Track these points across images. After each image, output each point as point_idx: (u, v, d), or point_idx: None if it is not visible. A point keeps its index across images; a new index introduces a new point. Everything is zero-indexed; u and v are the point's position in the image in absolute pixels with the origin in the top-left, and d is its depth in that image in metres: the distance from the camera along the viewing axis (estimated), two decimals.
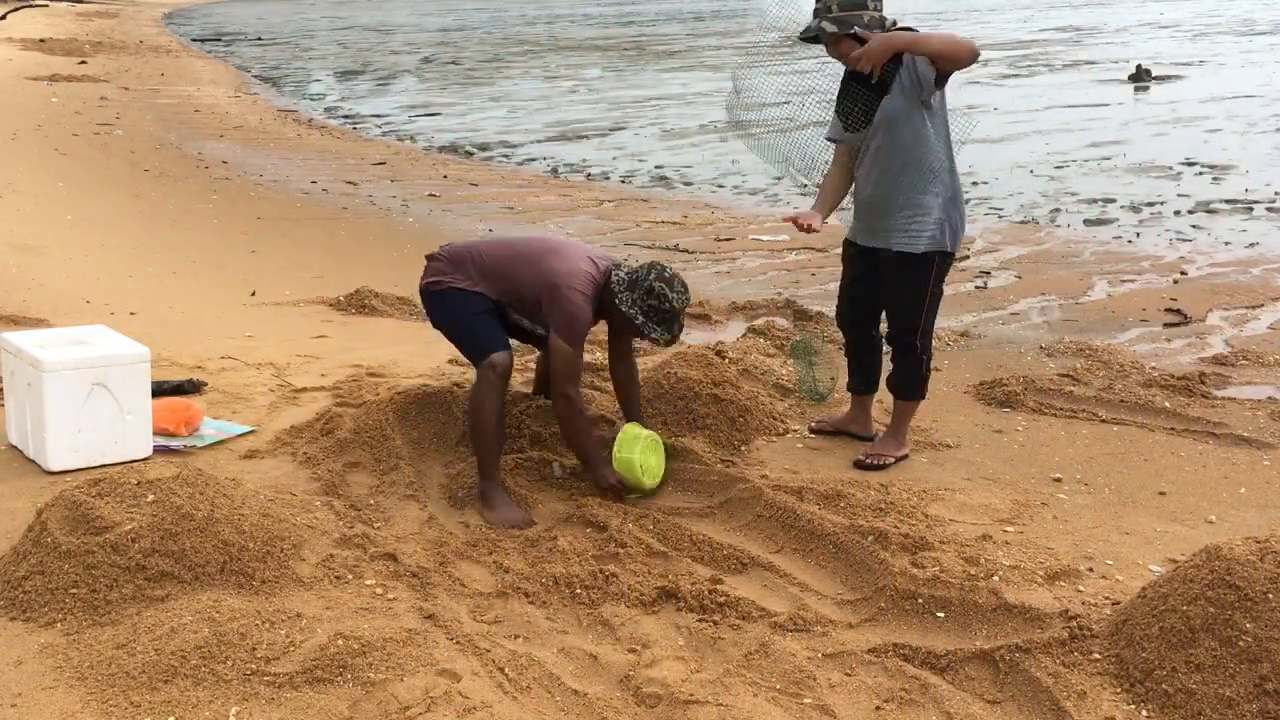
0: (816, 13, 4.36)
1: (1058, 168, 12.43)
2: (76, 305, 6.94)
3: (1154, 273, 8.19)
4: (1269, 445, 4.89)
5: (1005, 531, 3.98)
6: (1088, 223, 9.95)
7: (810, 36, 4.40)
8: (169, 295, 7.49)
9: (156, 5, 52.28)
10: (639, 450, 4.21)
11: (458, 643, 3.21)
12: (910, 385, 4.65)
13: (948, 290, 4.88)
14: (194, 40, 34.69)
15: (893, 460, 4.60)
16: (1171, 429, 5.08)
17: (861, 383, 4.85)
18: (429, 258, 4.53)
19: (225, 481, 3.71)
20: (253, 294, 7.62)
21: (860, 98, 4.38)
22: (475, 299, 4.35)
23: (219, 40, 34.97)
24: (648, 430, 4.35)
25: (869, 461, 4.60)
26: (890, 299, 4.58)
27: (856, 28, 4.26)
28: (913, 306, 4.50)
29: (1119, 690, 2.98)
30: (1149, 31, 28.91)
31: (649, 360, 5.31)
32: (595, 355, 5.93)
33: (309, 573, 3.53)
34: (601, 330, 4.98)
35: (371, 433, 4.58)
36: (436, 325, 4.49)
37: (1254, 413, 5.27)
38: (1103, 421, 5.17)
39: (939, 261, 4.45)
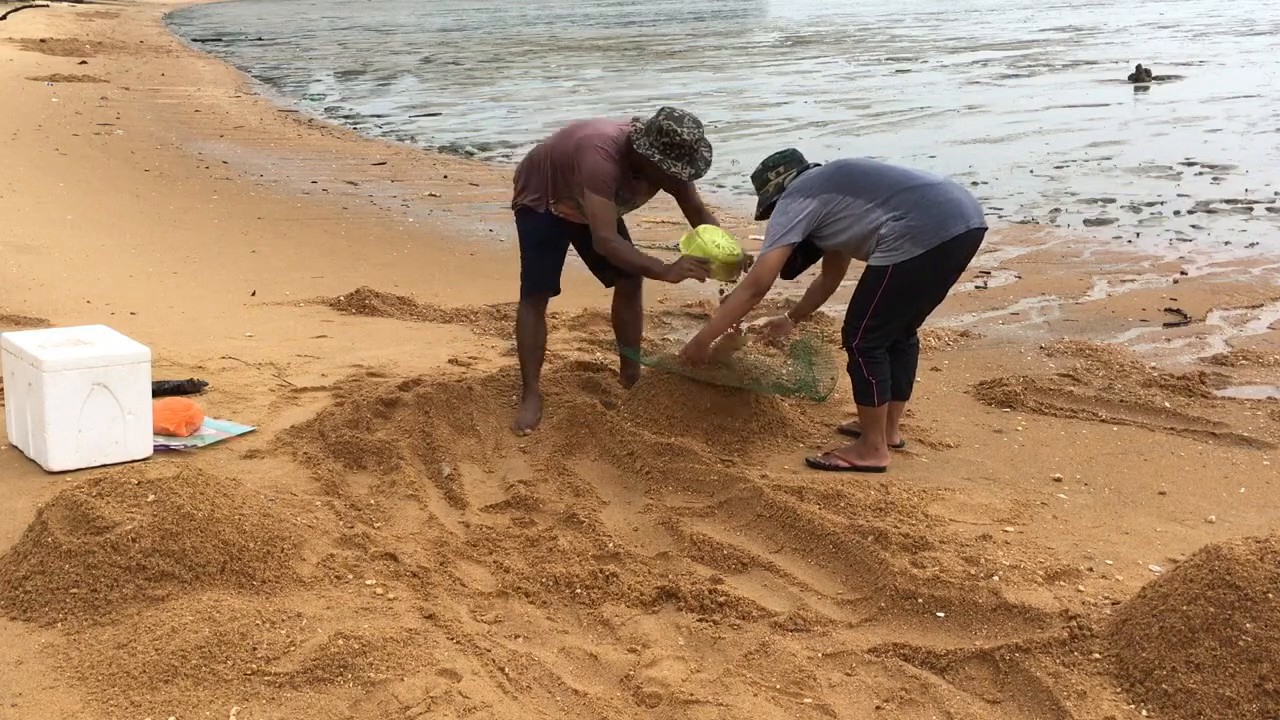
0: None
1: (1058, 168, 12.43)
2: (76, 305, 6.95)
3: (1154, 273, 8.19)
4: (1269, 445, 4.89)
5: (1005, 531, 3.98)
6: (1088, 223, 9.94)
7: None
8: (169, 295, 7.49)
9: (157, 5, 52.30)
10: (703, 233, 4.68)
11: (458, 643, 3.21)
12: (854, 388, 4.64)
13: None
14: (194, 40, 34.69)
15: (845, 465, 4.55)
16: (1171, 429, 5.09)
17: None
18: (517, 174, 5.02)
19: (225, 481, 3.71)
20: (253, 294, 7.62)
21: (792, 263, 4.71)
22: (539, 220, 4.85)
23: (219, 40, 34.98)
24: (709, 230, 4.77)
25: (819, 459, 4.60)
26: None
27: (765, 202, 4.71)
28: (855, 307, 4.57)
29: (1119, 690, 2.99)
30: (1149, 31, 28.92)
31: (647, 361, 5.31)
32: (596, 355, 5.94)
33: (309, 573, 3.53)
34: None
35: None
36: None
37: (1254, 413, 5.27)
38: (1103, 421, 5.17)
39: (893, 272, 4.44)
